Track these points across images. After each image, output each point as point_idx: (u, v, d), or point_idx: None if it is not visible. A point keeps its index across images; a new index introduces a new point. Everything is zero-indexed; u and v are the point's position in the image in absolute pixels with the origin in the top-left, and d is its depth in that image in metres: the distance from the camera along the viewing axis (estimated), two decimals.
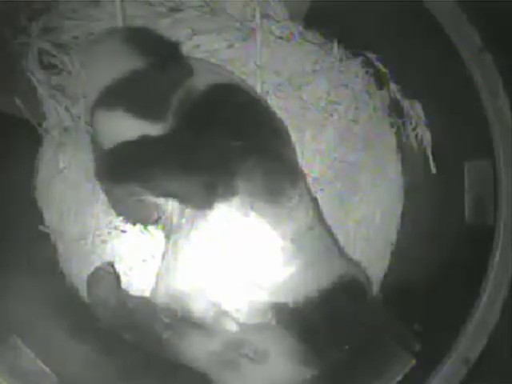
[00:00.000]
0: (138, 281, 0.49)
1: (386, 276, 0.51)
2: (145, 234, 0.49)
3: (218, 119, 0.40)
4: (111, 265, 0.48)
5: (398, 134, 0.51)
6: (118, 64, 0.42)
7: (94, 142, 0.45)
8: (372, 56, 0.48)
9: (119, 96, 0.41)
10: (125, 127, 0.41)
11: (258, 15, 0.49)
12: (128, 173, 0.40)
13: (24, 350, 0.38)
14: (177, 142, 0.40)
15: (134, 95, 0.41)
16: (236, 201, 0.39)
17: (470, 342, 0.36)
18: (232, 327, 0.39)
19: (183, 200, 0.40)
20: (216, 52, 0.50)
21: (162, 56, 0.43)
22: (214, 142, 0.39)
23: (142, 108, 0.40)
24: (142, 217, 0.45)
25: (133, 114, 0.40)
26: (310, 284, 0.39)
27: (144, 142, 0.40)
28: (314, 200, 0.45)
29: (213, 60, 0.49)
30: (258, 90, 0.49)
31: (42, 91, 0.47)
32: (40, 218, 0.50)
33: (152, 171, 0.39)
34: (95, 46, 0.46)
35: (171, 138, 0.40)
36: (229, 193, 0.38)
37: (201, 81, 0.41)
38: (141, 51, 0.42)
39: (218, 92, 0.41)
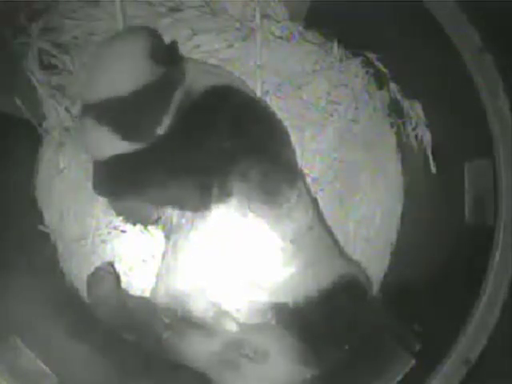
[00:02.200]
0: (137, 281, 0.49)
1: (385, 276, 0.51)
2: (145, 234, 0.49)
3: (215, 121, 0.40)
4: (111, 265, 0.48)
5: (398, 134, 0.51)
6: (129, 77, 0.40)
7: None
8: (372, 56, 0.48)
9: (113, 113, 0.40)
10: (108, 144, 0.40)
11: (258, 15, 0.49)
12: (123, 188, 0.40)
13: (24, 350, 0.38)
14: (173, 146, 0.40)
15: (127, 116, 0.40)
16: (233, 201, 0.39)
17: (470, 342, 0.36)
18: (232, 327, 0.39)
19: (179, 205, 0.40)
20: (216, 52, 0.50)
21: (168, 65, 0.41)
22: (208, 144, 0.39)
23: (130, 131, 0.40)
24: (142, 217, 0.45)
25: (120, 135, 0.39)
26: (310, 284, 0.39)
27: (139, 151, 0.40)
28: (314, 200, 0.45)
29: (213, 60, 0.49)
30: (258, 90, 0.49)
31: (42, 91, 0.47)
32: (40, 218, 0.49)
33: (147, 182, 0.39)
34: (111, 47, 0.42)
35: (168, 141, 0.40)
36: (224, 194, 0.38)
37: (199, 83, 0.41)
38: (156, 64, 0.40)
39: (215, 94, 0.41)
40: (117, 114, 0.40)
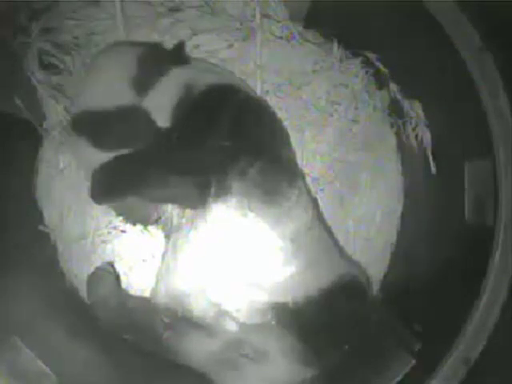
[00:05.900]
0: (137, 281, 0.49)
1: (385, 276, 0.51)
2: (145, 234, 0.49)
3: (215, 119, 0.40)
4: (111, 265, 0.48)
5: (398, 134, 0.51)
6: (112, 94, 0.41)
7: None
8: (372, 56, 0.48)
9: (89, 126, 0.40)
10: (89, 154, 0.41)
11: (258, 15, 0.49)
12: (121, 191, 0.40)
13: (24, 350, 0.38)
14: (172, 143, 0.40)
15: (103, 129, 0.40)
16: (233, 201, 0.39)
17: (470, 342, 0.36)
18: (232, 327, 0.39)
19: (178, 202, 0.40)
20: (216, 52, 0.50)
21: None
22: (208, 142, 0.39)
23: (106, 143, 0.40)
24: (142, 217, 0.45)
25: (99, 148, 0.40)
26: (309, 284, 0.39)
27: (137, 149, 0.40)
28: (314, 200, 0.45)
29: (213, 60, 0.49)
30: (258, 89, 0.49)
31: (42, 91, 0.47)
32: (40, 218, 0.50)
33: (145, 180, 0.39)
34: (99, 60, 0.43)
35: (167, 138, 0.40)
36: (222, 192, 0.38)
37: (200, 81, 0.41)
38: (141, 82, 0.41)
39: (216, 92, 0.41)
40: (92, 126, 0.40)
